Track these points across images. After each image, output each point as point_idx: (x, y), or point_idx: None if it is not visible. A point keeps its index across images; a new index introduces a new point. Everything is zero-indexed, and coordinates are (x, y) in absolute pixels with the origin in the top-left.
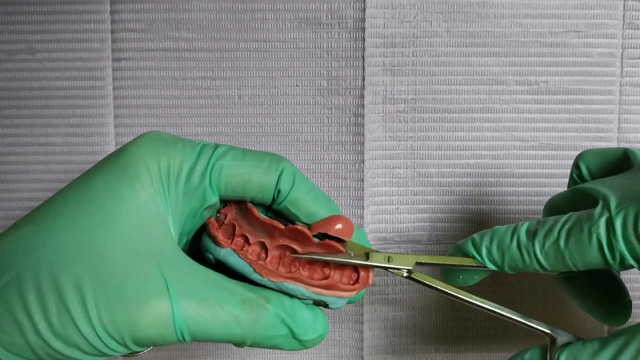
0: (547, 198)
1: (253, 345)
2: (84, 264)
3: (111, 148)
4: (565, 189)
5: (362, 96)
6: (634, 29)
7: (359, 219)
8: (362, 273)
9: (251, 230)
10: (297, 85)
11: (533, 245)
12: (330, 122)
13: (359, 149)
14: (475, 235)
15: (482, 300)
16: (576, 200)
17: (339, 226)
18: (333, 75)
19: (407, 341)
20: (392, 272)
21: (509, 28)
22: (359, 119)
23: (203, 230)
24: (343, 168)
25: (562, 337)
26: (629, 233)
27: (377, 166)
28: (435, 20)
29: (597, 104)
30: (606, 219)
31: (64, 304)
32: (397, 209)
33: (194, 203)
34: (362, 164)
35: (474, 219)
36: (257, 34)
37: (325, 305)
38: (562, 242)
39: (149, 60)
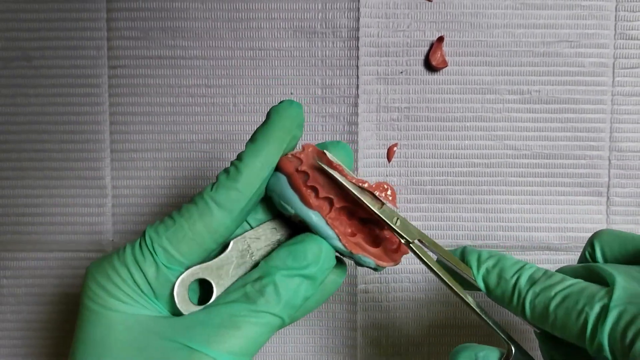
0: (539, 207)
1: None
2: None
3: (106, 155)
4: (557, 198)
5: (356, 104)
6: (626, 39)
7: None
8: (401, 246)
9: (323, 185)
10: (291, 93)
11: (527, 292)
12: (324, 129)
13: (353, 157)
14: (484, 252)
15: (463, 292)
16: (589, 278)
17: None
18: (327, 83)
19: (400, 349)
20: (395, 234)
21: (502, 38)
22: (353, 127)
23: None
24: None
25: (520, 353)
26: (617, 330)
27: (371, 174)
28: (428, 29)
29: (589, 113)
30: (603, 305)
31: None
32: None
33: (167, 291)
34: (355, 172)
35: (467, 227)
36: (252, 43)
37: (375, 269)
38: (553, 304)
39: (145, 68)
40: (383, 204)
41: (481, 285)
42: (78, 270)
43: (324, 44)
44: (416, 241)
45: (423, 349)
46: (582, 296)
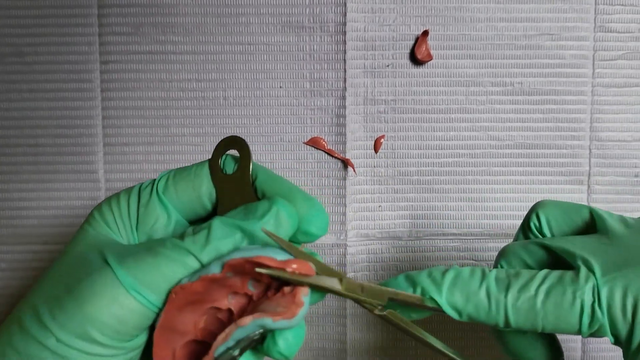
0: (522, 195)
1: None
2: (40, 296)
3: (99, 149)
4: (539, 187)
5: (343, 97)
6: (605, 32)
7: (341, 216)
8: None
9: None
10: (280, 87)
11: (505, 297)
12: (313, 122)
13: (341, 149)
14: (435, 271)
15: (450, 349)
16: (545, 257)
17: (294, 266)
18: (315, 77)
19: (389, 335)
20: (366, 307)
21: (485, 31)
22: (341, 119)
23: None
24: (326, 167)
25: None
26: (614, 306)
27: (359, 165)
28: (413, 24)
29: (570, 104)
30: (593, 286)
31: (30, 335)
32: (379, 206)
33: (149, 219)
34: (343, 163)
35: (452, 215)
36: (242, 37)
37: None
38: (539, 301)
39: (136, 63)
40: (342, 279)
41: (449, 311)
42: None
43: (311, 38)
44: (387, 300)
45: (410, 342)
46: (566, 284)
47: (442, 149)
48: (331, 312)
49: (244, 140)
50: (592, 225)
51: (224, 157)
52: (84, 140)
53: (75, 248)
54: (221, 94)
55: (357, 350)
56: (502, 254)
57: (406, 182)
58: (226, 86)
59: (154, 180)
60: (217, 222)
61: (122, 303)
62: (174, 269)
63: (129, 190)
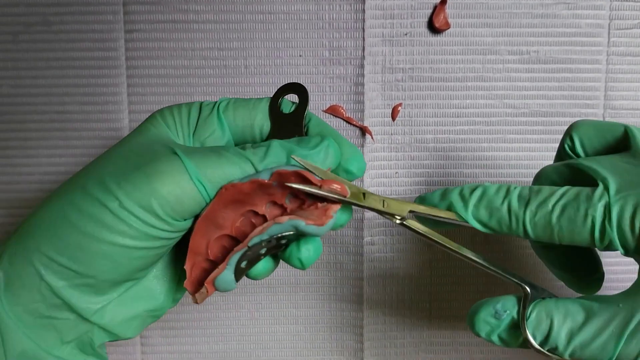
0: (537, 162)
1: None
2: (105, 169)
3: (124, 116)
4: (554, 154)
5: (362, 66)
6: (621, 0)
7: (359, 182)
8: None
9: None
10: (300, 55)
11: (524, 212)
12: (332, 90)
13: (359, 117)
14: (465, 189)
15: (466, 250)
16: (572, 176)
17: (335, 185)
18: (334, 45)
19: (404, 296)
20: (387, 217)
21: (502, 0)
22: (359, 87)
23: None
24: (344, 134)
25: (536, 292)
26: (624, 223)
27: (376, 133)
28: None
29: (585, 72)
30: (605, 203)
31: (94, 197)
32: (396, 173)
33: (206, 131)
34: (362, 131)
35: (468, 182)
36: (262, 6)
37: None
38: (554, 217)
39: (160, 32)
40: (365, 194)
41: (475, 224)
42: None
43: (331, 7)
44: (407, 214)
45: (425, 296)
46: (580, 201)
47: (458, 116)
48: (348, 274)
49: (304, 87)
50: (625, 142)
51: (281, 99)
52: (110, 108)
53: (137, 138)
54: (242, 63)
55: (374, 288)
56: (537, 177)
57: (422, 149)
58: (247, 55)
59: (215, 101)
60: (275, 143)
61: (184, 187)
62: (233, 170)
63: (189, 103)
